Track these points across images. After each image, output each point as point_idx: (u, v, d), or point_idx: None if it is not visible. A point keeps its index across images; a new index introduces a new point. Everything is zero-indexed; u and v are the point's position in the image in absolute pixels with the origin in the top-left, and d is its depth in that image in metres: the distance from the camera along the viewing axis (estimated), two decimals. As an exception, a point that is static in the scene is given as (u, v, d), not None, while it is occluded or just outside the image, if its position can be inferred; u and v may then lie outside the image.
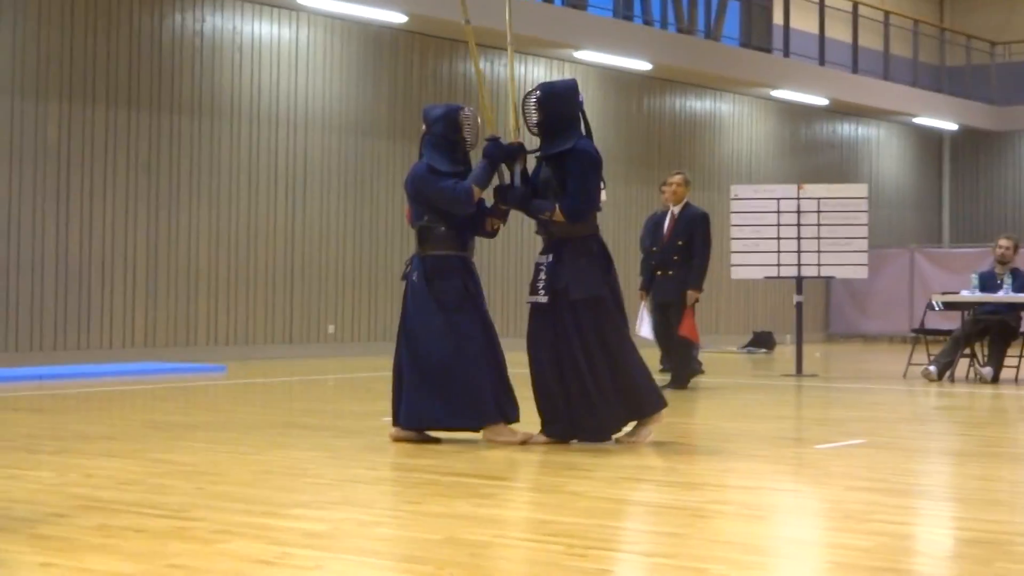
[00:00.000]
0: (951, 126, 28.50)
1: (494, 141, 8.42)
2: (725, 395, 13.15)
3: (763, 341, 21.92)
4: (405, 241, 19.07)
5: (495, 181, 8.53)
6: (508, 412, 8.42)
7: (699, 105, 23.95)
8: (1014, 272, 14.72)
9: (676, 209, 13.28)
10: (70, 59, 15.84)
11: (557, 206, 8.30)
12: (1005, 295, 14.49)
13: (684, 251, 13.07)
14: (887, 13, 27.03)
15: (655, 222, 13.75)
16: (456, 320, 8.35)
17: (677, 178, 13.40)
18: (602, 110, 21.88)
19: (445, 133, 8.57)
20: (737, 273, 16.12)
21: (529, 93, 8.52)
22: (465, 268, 8.51)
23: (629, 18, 22.04)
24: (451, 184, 8.40)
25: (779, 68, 24.18)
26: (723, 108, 24.46)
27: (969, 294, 14.72)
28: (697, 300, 12.99)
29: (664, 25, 23.08)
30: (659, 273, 13.18)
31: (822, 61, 25.07)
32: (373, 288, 18.76)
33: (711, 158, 24.13)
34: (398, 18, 18.14)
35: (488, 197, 8.62)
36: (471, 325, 8.39)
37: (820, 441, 8.93)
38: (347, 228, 18.59)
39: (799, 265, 15.56)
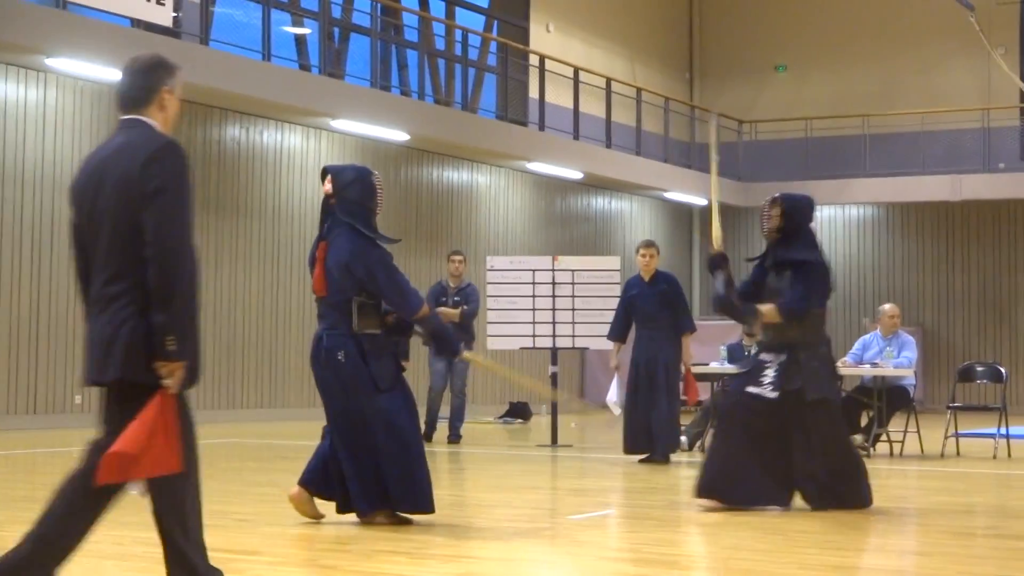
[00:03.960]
0: (701, 201, 29.20)
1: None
2: (482, 466, 13.16)
3: (519, 411, 22.01)
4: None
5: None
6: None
7: (456, 176, 24.08)
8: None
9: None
10: None
11: (773, 306, 8.72)
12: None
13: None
14: (639, 90, 27.63)
15: (436, 293, 15.32)
16: (386, 405, 7.69)
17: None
18: (359, 180, 21.77)
19: (361, 200, 7.95)
20: (493, 343, 16.21)
21: (773, 200, 8.92)
22: (391, 347, 7.95)
23: (387, 88, 22.08)
24: (410, 288, 7.98)
25: (535, 141, 24.47)
26: (480, 180, 24.65)
27: (719, 366, 15.02)
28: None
29: (422, 96, 23.20)
30: None
31: (576, 135, 25.47)
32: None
33: (468, 229, 24.24)
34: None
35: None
36: (402, 410, 7.76)
37: (573, 511, 8.97)
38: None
39: (554, 336, 15.72)
